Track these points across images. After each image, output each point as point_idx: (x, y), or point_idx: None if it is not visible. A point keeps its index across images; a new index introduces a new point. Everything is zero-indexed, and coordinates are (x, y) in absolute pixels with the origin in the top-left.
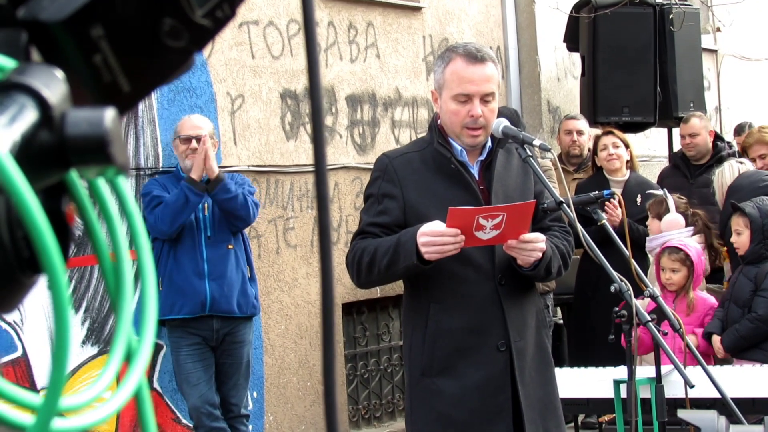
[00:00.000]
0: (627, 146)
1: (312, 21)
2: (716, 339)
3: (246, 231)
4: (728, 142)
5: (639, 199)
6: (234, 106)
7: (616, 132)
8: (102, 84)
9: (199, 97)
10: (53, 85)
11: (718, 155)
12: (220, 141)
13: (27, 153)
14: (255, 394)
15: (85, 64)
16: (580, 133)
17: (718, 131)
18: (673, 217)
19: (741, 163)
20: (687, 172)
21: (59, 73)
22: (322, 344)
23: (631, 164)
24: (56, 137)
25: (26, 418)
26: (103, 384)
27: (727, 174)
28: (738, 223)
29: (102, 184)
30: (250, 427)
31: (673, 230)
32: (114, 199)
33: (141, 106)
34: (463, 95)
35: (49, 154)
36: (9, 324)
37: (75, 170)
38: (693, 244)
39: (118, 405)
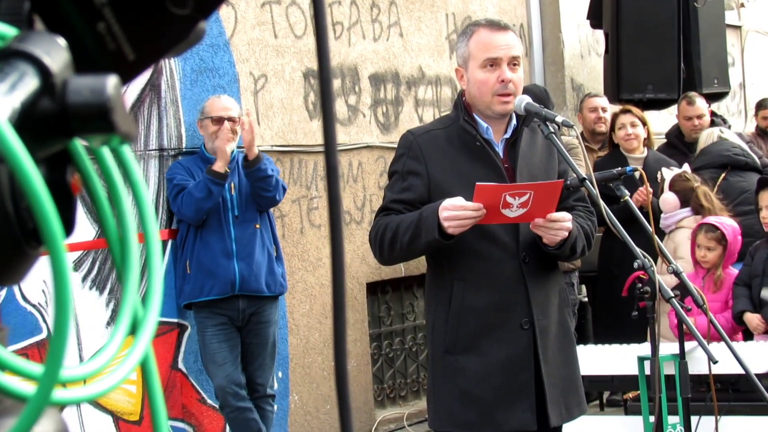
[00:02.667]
0: (644, 124)
1: None
2: (753, 316)
3: (271, 210)
4: (722, 117)
5: (660, 177)
6: (257, 86)
7: (634, 110)
8: (106, 52)
9: (222, 77)
10: (55, 53)
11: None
12: None
13: (28, 121)
14: (280, 374)
15: (89, 33)
16: (604, 110)
17: (743, 108)
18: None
19: (722, 132)
20: (686, 149)
21: (61, 41)
22: (333, 310)
23: (648, 142)
24: (58, 105)
25: (28, 388)
26: (107, 355)
27: (704, 137)
28: None
29: (106, 153)
30: (276, 407)
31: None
32: (119, 169)
33: (164, 87)
34: (490, 60)
35: (51, 122)
36: (34, 306)
37: (78, 139)
38: (729, 222)
39: (122, 376)
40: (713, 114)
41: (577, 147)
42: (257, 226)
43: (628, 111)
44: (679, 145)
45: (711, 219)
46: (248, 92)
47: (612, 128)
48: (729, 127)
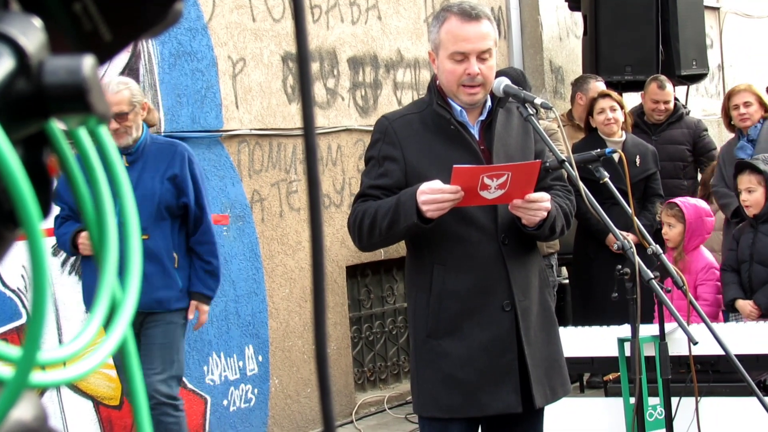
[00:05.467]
0: (622, 107)
1: None
2: (745, 303)
3: (194, 209)
4: (682, 103)
5: (638, 160)
6: (235, 69)
7: (613, 94)
8: (83, 33)
9: (200, 61)
10: (30, 33)
11: (678, 113)
12: (222, 105)
13: (3, 102)
14: (260, 358)
15: (65, 13)
16: None
17: (721, 89)
18: None
19: None
20: (647, 129)
21: (37, 22)
22: (312, 294)
23: (625, 125)
24: (34, 86)
25: (5, 372)
26: (86, 338)
27: None
28: (750, 181)
29: (83, 134)
30: (183, 414)
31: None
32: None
33: (142, 71)
34: (459, 53)
35: (27, 103)
36: (13, 291)
37: (55, 120)
38: (694, 202)
39: (101, 358)
40: (676, 100)
41: (557, 131)
42: (145, 237)
43: (608, 95)
44: (640, 123)
45: (677, 199)
46: (227, 76)
47: (590, 112)
48: (688, 113)
